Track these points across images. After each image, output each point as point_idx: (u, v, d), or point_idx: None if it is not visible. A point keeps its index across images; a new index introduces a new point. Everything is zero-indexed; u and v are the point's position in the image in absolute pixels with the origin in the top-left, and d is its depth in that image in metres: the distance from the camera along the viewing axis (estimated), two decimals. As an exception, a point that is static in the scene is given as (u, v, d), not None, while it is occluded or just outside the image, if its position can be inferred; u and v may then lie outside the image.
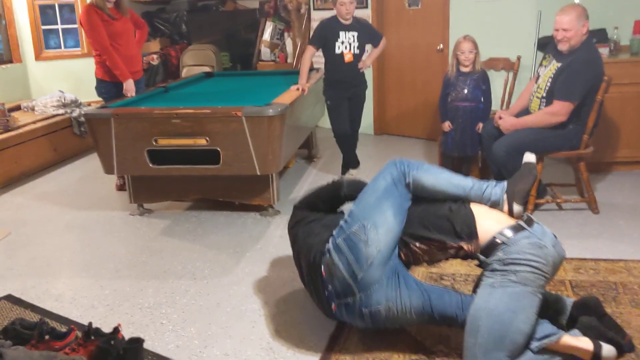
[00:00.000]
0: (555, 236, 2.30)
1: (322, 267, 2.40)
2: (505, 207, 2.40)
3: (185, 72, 7.08)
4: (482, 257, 2.27)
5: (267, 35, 7.14)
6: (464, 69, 4.27)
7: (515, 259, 2.16)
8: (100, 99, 4.85)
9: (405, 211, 2.43)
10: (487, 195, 2.45)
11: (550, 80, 3.74)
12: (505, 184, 2.47)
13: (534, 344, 2.18)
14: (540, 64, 3.97)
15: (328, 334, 2.63)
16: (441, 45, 5.75)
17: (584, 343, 2.18)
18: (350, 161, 4.81)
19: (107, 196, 4.80)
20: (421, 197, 2.49)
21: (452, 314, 2.31)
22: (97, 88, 4.79)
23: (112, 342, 2.42)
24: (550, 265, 2.19)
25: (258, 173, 3.82)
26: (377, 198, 2.40)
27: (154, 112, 3.84)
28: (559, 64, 3.72)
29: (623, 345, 2.27)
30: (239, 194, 4.14)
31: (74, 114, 6.02)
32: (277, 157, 3.83)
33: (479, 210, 2.36)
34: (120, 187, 4.84)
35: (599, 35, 4.70)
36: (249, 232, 3.87)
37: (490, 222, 2.30)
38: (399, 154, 5.56)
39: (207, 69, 6.59)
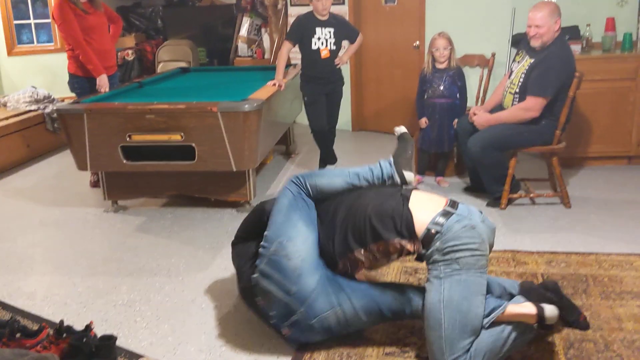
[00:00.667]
0: (481, 212, 2.37)
1: (258, 298, 2.45)
2: (397, 177, 2.60)
3: (161, 68, 7.02)
4: (422, 250, 2.28)
5: (244, 31, 7.11)
6: (439, 66, 4.30)
7: (453, 246, 2.20)
8: (73, 94, 4.79)
9: (315, 219, 2.53)
10: (378, 173, 2.64)
11: (523, 76, 3.79)
12: (390, 158, 2.67)
13: (484, 321, 2.23)
14: (514, 60, 4.02)
15: (303, 329, 2.64)
16: (417, 42, 5.78)
17: (527, 308, 2.24)
18: (328, 157, 4.81)
19: (81, 193, 4.74)
20: (339, 201, 2.54)
21: (399, 308, 2.36)
22: (70, 83, 4.72)
23: (84, 340, 2.39)
24: (485, 242, 2.25)
25: (234, 169, 3.80)
26: (285, 215, 2.49)
27: (127, 107, 3.80)
28: (532, 60, 3.76)
29: (580, 323, 2.39)
30: (215, 190, 4.11)
31: (47, 110, 5.93)
32: (253, 153, 3.82)
33: (414, 206, 2.34)
34: (95, 184, 4.78)
35: (572, 32, 4.77)
36: (225, 228, 3.85)
37: (422, 214, 2.30)
38: (376, 150, 5.59)
39: (183, 65, 6.53)
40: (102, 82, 4.60)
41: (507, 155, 3.86)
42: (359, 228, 2.36)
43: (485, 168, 3.89)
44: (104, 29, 4.73)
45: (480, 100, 4.85)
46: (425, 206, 2.33)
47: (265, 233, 2.48)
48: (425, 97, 4.39)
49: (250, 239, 2.68)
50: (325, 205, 2.58)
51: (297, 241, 2.40)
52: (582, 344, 2.38)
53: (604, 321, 2.54)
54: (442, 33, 4.30)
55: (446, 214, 2.27)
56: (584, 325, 2.45)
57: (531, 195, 4.01)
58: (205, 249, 3.56)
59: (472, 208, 2.36)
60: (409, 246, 2.28)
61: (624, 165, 4.74)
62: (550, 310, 2.19)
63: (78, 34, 4.46)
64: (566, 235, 3.50)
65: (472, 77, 5.14)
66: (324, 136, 4.69)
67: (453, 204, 2.34)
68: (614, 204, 3.95)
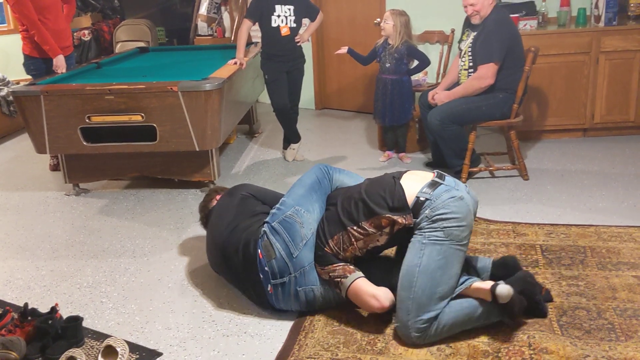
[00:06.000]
0: (465, 184, 2.49)
1: (259, 250, 2.51)
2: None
3: (118, 48, 6.87)
4: (413, 221, 2.36)
5: (203, 9, 7.00)
6: (390, 41, 4.34)
7: (441, 213, 2.29)
8: (29, 76, 4.67)
9: (324, 207, 2.65)
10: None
11: (470, 51, 3.91)
12: None
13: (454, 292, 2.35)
14: (461, 40, 4.11)
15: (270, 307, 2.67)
16: (378, 19, 5.78)
17: (485, 284, 2.33)
18: (292, 136, 4.82)
19: (41, 176, 4.66)
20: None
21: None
22: (25, 65, 4.60)
23: (50, 322, 2.39)
24: (471, 213, 2.35)
25: (197, 149, 3.79)
26: (306, 190, 2.64)
27: (86, 88, 3.74)
28: (475, 33, 3.87)
29: (538, 296, 2.44)
30: (179, 171, 4.09)
31: (2, 93, 5.78)
32: (216, 132, 3.81)
33: (404, 182, 2.45)
34: (55, 167, 4.70)
35: (528, 8, 4.85)
36: (190, 208, 3.84)
37: (412, 186, 2.41)
38: (340, 128, 5.62)
39: (141, 45, 6.41)
40: (59, 63, 4.50)
41: (467, 130, 3.94)
42: (352, 208, 2.46)
43: (445, 141, 3.97)
44: (58, 8, 4.61)
45: (440, 75, 4.91)
46: (415, 180, 2.44)
47: (283, 199, 2.65)
48: (378, 72, 4.45)
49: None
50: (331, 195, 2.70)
51: (312, 216, 2.54)
52: (575, 312, 2.46)
53: (599, 290, 2.61)
54: (393, 10, 4.33)
55: (434, 184, 2.38)
56: (546, 298, 2.51)
57: (491, 168, 4.10)
58: (170, 229, 3.55)
59: (457, 180, 2.46)
60: (400, 219, 2.36)
61: (579, 138, 4.88)
62: (503, 288, 2.24)
63: (32, 13, 4.34)
64: (524, 206, 3.60)
65: (433, 54, 5.18)
66: (287, 115, 4.69)
67: (440, 176, 2.45)
68: (570, 175, 4.08)
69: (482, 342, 2.30)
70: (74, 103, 3.72)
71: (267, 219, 2.59)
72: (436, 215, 2.30)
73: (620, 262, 2.85)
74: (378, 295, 2.37)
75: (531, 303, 2.39)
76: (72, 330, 2.41)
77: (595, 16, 4.75)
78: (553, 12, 4.91)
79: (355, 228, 2.42)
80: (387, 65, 4.34)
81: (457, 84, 4.09)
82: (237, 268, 2.63)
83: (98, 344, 2.42)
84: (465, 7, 3.87)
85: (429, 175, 2.46)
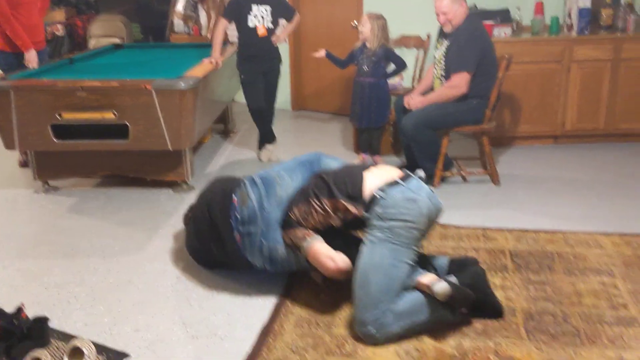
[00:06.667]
0: (432, 190, 2.54)
1: (235, 196, 2.69)
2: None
3: (93, 44, 6.79)
4: (365, 214, 2.44)
5: (180, 7, 6.93)
6: (367, 44, 4.36)
7: (391, 214, 2.38)
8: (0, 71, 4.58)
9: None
10: None
11: (443, 59, 3.95)
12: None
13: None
14: (436, 48, 4.15)
15: (241, 308, 2.66)
16: (355, 22, 5.81)
17: (426, 279, 2.42)
18: (267, 136, 4.81)
19: (9, 173, 4.57)
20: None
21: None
22: (-5, 59, 4.51)
23: (16, 322, 2.35)
24: (425, 216, 2.41)
25: (170, 148, 3.75)
26: (295, 163, 2.86)
27: (57, 84, 3.68)
28: (448, 42, 3.91)
29: (489, 289, 2.51)
30: (151, 170, 4.05)
31: (-29, 87, 5.63)
32: (190, 131, 3.78)
33: (369, 174, 2.54)
34: (24, 164, 4.62)
35: (503, 15, 4.91)
36: (162, 208, 3.81)
37: (373, 181, 2.50)
38: (316, 129, 5.63)
39: (116, 41, 6.33)
40: (31, 58, 4.43)
41: (440, 135, 3.98)
42: (320, 184, 2.58)
43: (419, 146, 4.00)
44: (32, 2, 4.53)
45: (416, 80, 4.94)
46: (379, 175, 2.53)
47: (274, 167, 2.87)
48: (355, 76, 4.46)
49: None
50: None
51: (291, 183, 2.72)
52: (542, 317, 2.50)
53: (565, 296, 2.66)
54: (370, 13, 4.35)
55: (394, 184, 2.45)
56: (497, 310, 2.51)
57: (463, 173, 4.15)
58: (141, 230, 3.51)
59: (424, 185, 2.53)
60: (353, 209, 2.45)
61: (550, 145, 4.96)
62: (439, 287, 2.33)
63: (5, 7, 4.28)
64: (495, 211, 3.65)
65: (409, 58, 5.21)
66: (262, 115, 4.68)
67: (405, 177, 2.51)
68: (540, 181, 4.14)
69: (449, 346, 2.33)
70: (45, 99, 3.66)
71: (253, 175, 2.79)
72: (386, 215, 2.38)
73: (587, 268, 2.90)
74: (334, 257, 2.47)
75: (482, 297, 2.45)
76: (38, 331, 2.37)
77: (567, 25, 4.84)
78: (527, 20, 4.99)
79: (317, 203, 2.52)
80: (365, 68, 4.35)
81: (431, 89, 4.13)
82: (216, 224, 2.74)
83: (64, 345, 2.37)
84: (438, 15, 3.92)
85: (395, 174, 2.54)
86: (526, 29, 5.00)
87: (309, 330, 2.48)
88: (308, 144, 5.19)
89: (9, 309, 2.51)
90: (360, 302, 2.37)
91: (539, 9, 4.92)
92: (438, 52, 4.06)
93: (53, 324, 2.50)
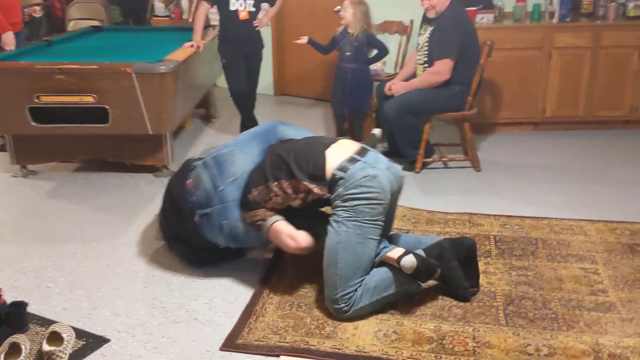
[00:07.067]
0: (389, 159, 2.57)
1: (189, 179, 2.71)
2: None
3: (71, 27, 6.66)
4: (327, 195, 2.44)
5: (161, -10, 6.85)
6: (349, 30, 4.34)
7: (352, 194, 2.37)
8: (-25, 52, 4.49)
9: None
10: None
11: (427, 45, 3.96)
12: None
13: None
14: (419, 34, 4.15)
15: (221, 293, 2.66)
16: (338, 7, 5.76)
17: (394, 253, 2.45)
18: (248, 122, 4.77)
19: (-14, 157, 4.49)
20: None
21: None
22: (-29, 41, 4.43)
23: (-8, 307, 2.32)
24: (385, 191, 2.41)
25: (150, 132, 3.72)
26: (249, 137, 2.82)
27: (35, 67, 3.62)
28: (432, 28, 3.90)
29: (454, 262, 2.52)
30: (131, 155, 4.01)
31: (-54, 69, 5.52)
32: (170, 116, 3.74)
33: (330, 152, 2.51)
34: (1, 148, 4.53)
35: (485, 2, 4.92)
36: (142, 194, 3.78)
37: (333, 160, 2.47)
38: (298, 115, 5.61)
39: (95, 24, 6.22)
40: (8, 40, 4.35)
41: (422, 121, 3.99)
42: (278, 164, 2.54)
43: (401, 132, 4.01)
44: (8, -17, 4.45)
45: (399, 66, 4.94)
46: (339, 152, 2.50)
47: (226, 142, 2.82)
48: (337, 60, 4.45)
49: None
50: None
51: (246, 158, 2.67)
52: (522, 301, 2.52)
53: (546, 281, 2.68)
54: None
55: (352, 160, 2.44)
56: (463, 295, 2.54)
57: (444, 159, 4.17)
58: (121, 214, 3.49)
59: (380, 156, 2.54)
60: (316, 189, 2.45)
61: (531, 131, 5.00)
62: (406, 260, 2.38)
63: (-21, -13, 4.17)
64: (476, 197, 3.67)
65: (391, 44, 5.20)
66: (244, 100, 4.65)
67: (362, 152, 2.50)
68: (520, 167, 4.18)
69: (427, 329, 2.35)
70: (22, 82, 3.59)
71: (205, 156, 2.78)
72: (347, 195, 2.38)
73: (569, 255, 2.93)
74: (295, 236, 2.48)
75: (446, 270, 2.50)
76: (16, 316, 2.35)
77: (549, 12, 4.86)
78: (509, 6, 5.00)
79: (275, 184, 2.51)
80: (347, 53, 4.34)
81: (414, 76, 4.13)
82: (176, 211, 2.79)
83: (43, 330, 2.36)
84: (422, 1, 3.91)
85: (352, 149, 2.53)
86: (508, 16, 5.02)
87: (290, 311, 2.49)
88: (290, 130, 5.17)
89: (-14, 294, 2.49)
90: (330, 280, 2.40)
91: (522, -5, 4.94)
92: (421, 38, 4.06)
93: (31, 309, 2.48)
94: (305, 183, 2.46)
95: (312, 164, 2.47)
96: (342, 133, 4.66)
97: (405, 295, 2.50)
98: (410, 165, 4.09)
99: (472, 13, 4.66)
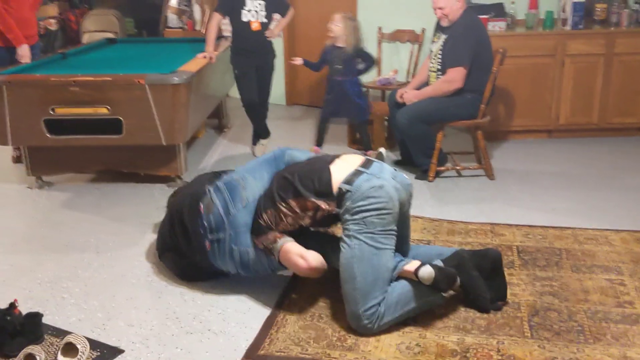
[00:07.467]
0: (395, 169, 2.55)
1: (201, 205, 2.68)
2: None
3: (86, 39, 6.75)
4: (336, 210, 2.43)
5: (174, 1, 6.89)
6: (338, 44, 4.37)
7: (361, 206, 2.35)
8: (-9, 65, 4.55)
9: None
10: None
11: (440, 53, 3.95)
12: None
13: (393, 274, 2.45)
14: (432, 42, 4.15)
15: (235, 304, 2.66)
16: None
17: (411, 266, 2.43)
18: (261, 131, 4.80)
19: (2, 169, 4.55)
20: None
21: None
22: (-13, 54, 4.48)
23: (8, 318, 2.34)
24: (393, 200, 2.39)
25: (164, 143, 3.74)
26: (258, 163, 2.85)
27: (50, 79, 3.66)
28: (445, 37, 3.90)
29: (474, 271, 2.49)
30: (145, 165, 4.04)
31: (-37, 82, 5.60)
32: (183, 126, 3.76)
33: (335, 167, 2.50)
34: (17, 159, 4.59)
35: (497, 10, 4.91)
36: (156, 203, 3.80)
37: (339, 174, 2.46)
38: (310, 125, 5.61)
39: (110, 36, 6.31)
40: (24, 52, 4.39)
41: (435, 129, 3.98)
42: (284, 186, 2.53)
43: (413, 140, 4.01)
44: (24, -4, 4.50)
45: (411, 75, 4.94)
46: (342, 167, 2.49)
47: (236, 168, 2.87)
48: (328, 73, 4.49)
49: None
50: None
51: (257, 183, 2.70)
52: (547, 313, 2.48)
53: (572, 293, 2.63)
54: (344, 14, 4.35)
55: (357, 173, 2.43)
56: (484, 305, 2.50)
57: (457, 167, 4.15)
58: (135, 225, 3.50)
59: (385, 165, 2.52)
60: (324, 205, 2.43)
61: (544, 139, 4.97)
62: (423, 271, 2.36)
63: (-4, 1, 4.23)
64: (490, 206, 3.65)
65: (403, 53, 5.23)
66: (256, 110, 4.67)
67: (366, 163, 2.49)
68: (534, 175, 4.15)
69: (451, 341, 2.32)
70: (37, 94, 3.64)
71: (217, 180, 2.78)
72: (356, 208, 2.36)
73: (595, 265, 2.88)
74: (305, 255, 2.45)
75: (465, 279, 2.46)
76: (31, 327, 2.36)
77: (562, 19, 4.84)
78: (522, 14, 4.99)
79: (284, 205, 2.50)
80: (338, 67, 4.37)
81: (426, 84, 4.13)
82: (184, 232, 2.75)
83: (58, 340, 2.37)
84: (435, 9, 3.92)
85: (357, 161, 2.52)
86: (520, 23, 5.00)
87: (312, 322, 2.48)
88: (302, 139, 5.17)
89: (2, 304, 2.50)
90: (350, 297, 2.36)
91: (534, 3, 4.93)
92: (435, 45, 4.05)
93: (46, 319, 2.49)
94: (313, 199, 2.44)
95: (318, 181, 2.46)
96: (319, 140, 4.64)
97: (430, 307, 2.47)
98: (423, 174, 4.08)
99: (484, 21, 4.65)
